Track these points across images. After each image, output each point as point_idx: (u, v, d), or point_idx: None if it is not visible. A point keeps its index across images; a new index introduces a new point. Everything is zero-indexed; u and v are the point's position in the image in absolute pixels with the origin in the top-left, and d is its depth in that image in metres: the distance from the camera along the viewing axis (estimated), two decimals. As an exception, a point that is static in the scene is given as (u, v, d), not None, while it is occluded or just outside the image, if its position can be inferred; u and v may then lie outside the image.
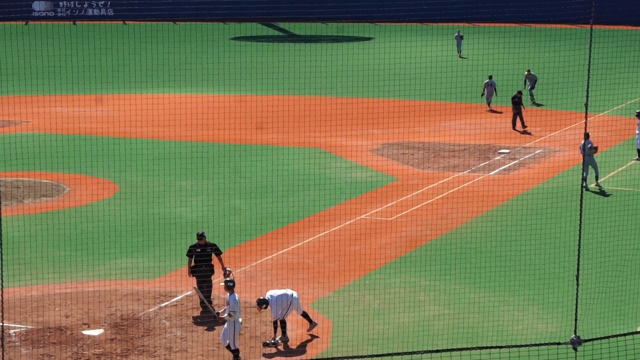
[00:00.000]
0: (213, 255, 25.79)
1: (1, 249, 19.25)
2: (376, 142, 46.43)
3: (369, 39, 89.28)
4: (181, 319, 25.22)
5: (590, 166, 37.17)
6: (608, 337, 20.00)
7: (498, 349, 20.82)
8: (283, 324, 23.77)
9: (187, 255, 25.91)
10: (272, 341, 23.67)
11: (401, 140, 46.64)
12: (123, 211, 34.61)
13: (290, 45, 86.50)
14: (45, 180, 39.17)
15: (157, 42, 72.50)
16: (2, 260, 20.45)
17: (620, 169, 40.19)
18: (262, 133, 47.95)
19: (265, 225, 32.95)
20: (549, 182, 38.76)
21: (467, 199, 35.97)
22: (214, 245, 25.94)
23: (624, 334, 20.65)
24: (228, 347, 22.69)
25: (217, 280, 26.09)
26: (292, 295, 24.00)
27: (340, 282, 27.78)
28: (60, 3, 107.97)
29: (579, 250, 18.84)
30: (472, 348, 19.36)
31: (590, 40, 18.61)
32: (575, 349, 18.51)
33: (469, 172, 40.66)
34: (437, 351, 19.16)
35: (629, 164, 41.22)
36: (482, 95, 54.93)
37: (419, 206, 35.51)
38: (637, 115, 42.67)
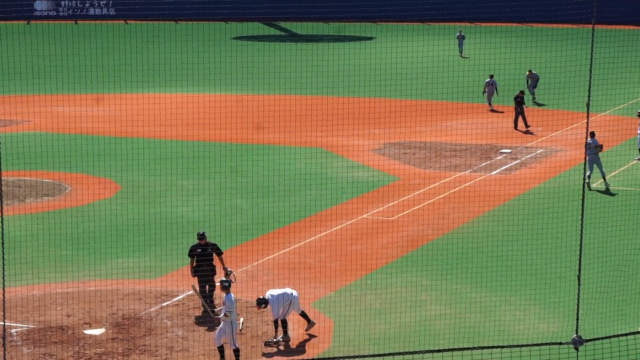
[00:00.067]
0: (214, 255, 25.79)
1: (3, 248, 19.27)
2: (377, 141, 46.43)
3: (370, 38, 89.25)
4: (183, 318, 25.22)
5: (595, 165, 37.21)
6: (609, 337, 20.02)
7: (499, 349, 20.83)
8: (284, 323, 23.78)
9: (189, 255, 25.92)
10: (274, 340, 23.67)
11: (402, 139, 46.64)
12: (124, 211, 34.61)
13: (292, 44, 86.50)
14: (46, 180, 39.18)
15: (158, 42, 72.47)
16: (3, 259, 20.48)
17: (622, 169, 40.19)
18: (263, 133, 47.95)
19: (267, 224, 32.94)
20: (550, 181, 38.75)
21: (468, 199, 35.96)
22: (215, 245, 25.93)
23: (626, 334, 20.67)
24: (220, 348, 22.56)
25: (219, 280, 26.07)
26: (292, 294, 24.00)
27: (342, 282, 27.78)
28: (62, 2, 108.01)
29: (580, 250, 18.85)
30: (474, 348, 19.38)
31: (592, 40, 18.61)
32: (577, 349, 18.53)
33: (470, 171, 40.66)
34: (439, 351, 19.18)
35: (631, 163, 41.21)
36: (484, 93, 54.97)
37: (420, 206, 35.50)
38: (638, 115, 42.67)
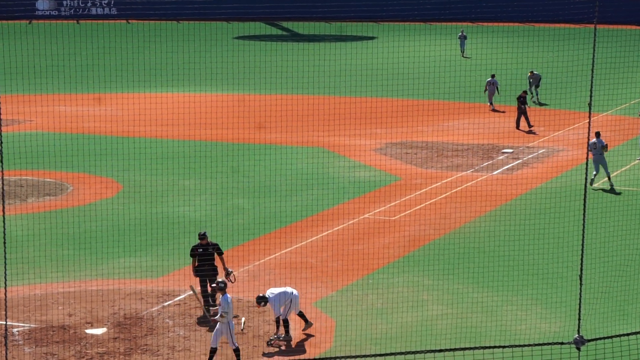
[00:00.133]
0: (216, 255, 25.80)
1: (5, 247, 19.28)
2: (379, 141, 46.42)
3: (372, 38, 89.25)
4: (184, 318, 25.22)
5: (600, 165, 37.24)
6: (611, 337, 20.00)
7: (501, 349, 20.81)
8: (286, 323, 23.78)
9: (191, 255, 25.93)
10: (275, 337, 23.67)
11: (404, 139, 46.64)
12: (126, 210, 34.61)
13: (294, 44, 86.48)
14: (48, 179, 39.19)
15: (160, 41, 72.51)
16: (5, 259, 20.49)
17: (623, 169, 40.17)
18: (265, 132, 47.95)
19: (268, 224, 32.94)
20: (552, 181, 38.74)
21: (470, 199, 35.96)
22: (216, 245, 25.93)
23: (628, 334, 20.65)
24: (213, 349, 22.52)
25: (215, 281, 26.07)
26: (293, 293, 24.00)
27: (343, 282, 27.78)
28: (64, 2, 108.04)
29: (582, 249, 18.83)
30: (475, 348, 19.37)
31: (594, 40, 18.60)
32: (579, 349, 18.51)
33: (472, 171, 40.65)
34: (440, 350, 19.17)
35: (633, 163, 41.19)
36: (485, 91, 55.05)
37: (422, 205, 35.50)
38: (640, 115, 42.69)
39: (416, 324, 24.57)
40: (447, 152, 44.21)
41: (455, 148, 44.90)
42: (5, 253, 19.43)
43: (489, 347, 19.29)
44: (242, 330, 23.95)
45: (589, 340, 18.52)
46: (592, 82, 18.78)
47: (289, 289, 24.12)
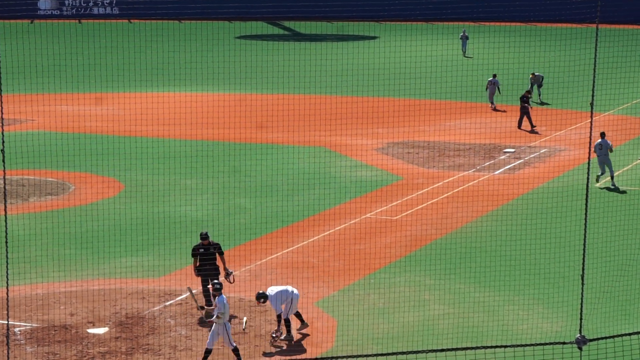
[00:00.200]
0: (217, 255, 25.81)
1: (7, 247, 19.28)
2: (381, 141, 46.42)
3: (373, 37, 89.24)
4: (186, 317, 25.22)
5: (605, 165, 37.25)
6: (613, 337, 19.99)
7: (503, 349, 20.81)
8: (287, 322, 23.77)
9: (192, 255, 25.94)
10: (277, 332, 23.67)
11: (406, 139, 46.63)
12: (128, 210, 34.62)
13: (295, 44, 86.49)
14: (50, 179, 39.20)
15: (162, 41, 72.51)
16: (7, 258, 20.49)
17: (625, 168, 40.15)
18: (266, 132, 47.95)
19: (270, 224, 32.94)
20: (554, 181, 38.73)
21: (472, 198, 35.96)
22: (218, 244, 25.93)
23: (629, 334, 20.64)
24: (208, 351, 22.48)
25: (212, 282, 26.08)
26: (293, 292, 24.01)
27: (345, 281, 27.78)
28: (66, 2, 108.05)
29: (584, 249, 18.82)
30: (477, 347, 19.36)
31: (596, 40, 18.60)
32: (580, 349, 18.50)
33: (474, 171, 40.64)
34: (442, 350, 19.16)
35: (635, 163, 41.17)
36: (487, 89, 55.09)
37: (423, 205, 35.49)
38: (642, 115, 42.65)
39: (418, 324, 24.57)
40: (449, 151, 44.20)
41: (457, 148, 44.89)
42: (7, 252, 19.42)
43: (491, 347, 19.28)
44: (243, 329, 23.95)
45: (590, 340, 18.51)
46: (594, 81, 18.77)
47: (289, 288, 24.12)
